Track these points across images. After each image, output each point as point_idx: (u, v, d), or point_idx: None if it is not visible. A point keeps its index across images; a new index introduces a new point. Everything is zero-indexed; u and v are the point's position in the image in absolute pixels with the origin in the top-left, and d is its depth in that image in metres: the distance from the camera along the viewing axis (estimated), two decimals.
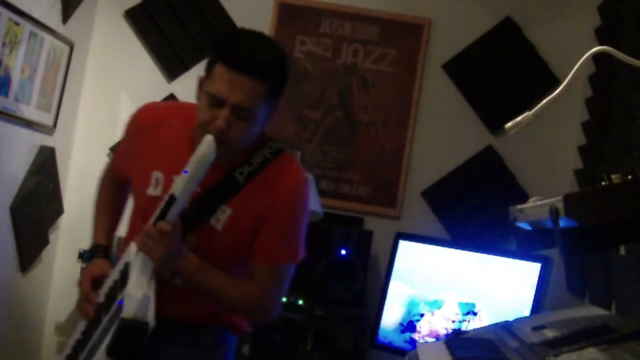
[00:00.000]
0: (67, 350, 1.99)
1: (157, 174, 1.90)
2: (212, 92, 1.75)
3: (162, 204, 1.79)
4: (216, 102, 1.75)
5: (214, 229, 1.86)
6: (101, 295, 1.92)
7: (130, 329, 1.73)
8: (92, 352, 1.83)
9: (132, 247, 1.86)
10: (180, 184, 1.75)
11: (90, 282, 1.94)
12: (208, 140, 1.72)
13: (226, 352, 2.05)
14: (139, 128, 1.97)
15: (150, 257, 1.80)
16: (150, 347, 1.78)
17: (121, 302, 1.77)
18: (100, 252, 2.04)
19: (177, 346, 1.94)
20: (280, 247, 1.91)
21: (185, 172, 1.74)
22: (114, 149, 3.61)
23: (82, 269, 2.08)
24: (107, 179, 2.15)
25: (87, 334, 1.91)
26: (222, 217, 1.86)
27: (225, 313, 2.00)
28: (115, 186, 2.13)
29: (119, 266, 1.90)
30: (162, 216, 1.78)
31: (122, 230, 2.14)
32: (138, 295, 1.75)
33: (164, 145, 1.91)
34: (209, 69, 1.80)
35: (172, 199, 1.77)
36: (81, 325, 1.96)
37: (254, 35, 1.83)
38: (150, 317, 1.75)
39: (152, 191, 1.90)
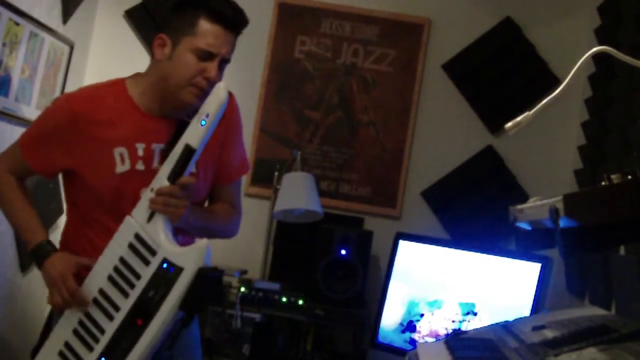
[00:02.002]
0: (54, 348, 1.90)
1: (119, 150, 1.93)
2: (204, 47, 1.88)
3: (175, 159, 1.83)
4: (206, 55, 1.89)
5: (191, 173, 1.94)
6: (94, 282, 1.87)
7: (211, 276, 1.79)
8: (129, 325, 1.79)
9: (130, 220, 1.87)
10: (199, 134, 1.84)
11: (74, 279, 1.89)
12: (222, 88, 1.86)
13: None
14: (76, 119, 1.94)
15: (174, 215, 1.84)
16: None
17: (166, 264, 1.79)
18: (52, 246, 1.98)
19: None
20: (240, 160, 2.14)
21: (203, 122, 1.83)
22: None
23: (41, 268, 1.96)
24: (14, 180, 2.05)
25: (92, 322, 1.86)
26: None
27: None
28: (25, 187, 2.08)
29: (120, 243, 1.87)
30: (179, 171, 1.83)
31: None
32: (201, 245, 1.80)
33: (111, 123, 1.94)
34: (187, 25, 1.89)
35: (191, 151, 1.83)
36: (69, 324, 1.89)
37: None
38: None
39: (120, 168, 1.93)
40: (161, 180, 1.84)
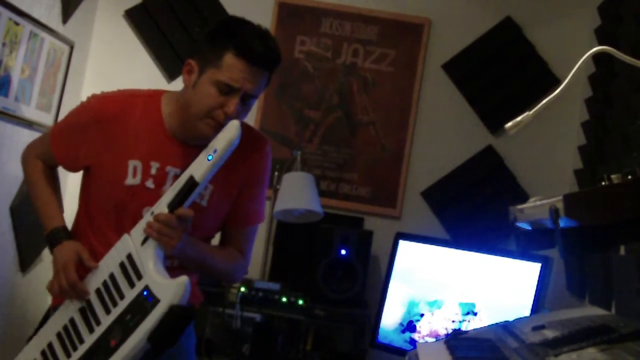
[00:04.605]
0: (39, 345, 1.91)
1: (134, 163, 1.92)
2: (226, 80, 1.83)
3: (178, 189, 1.80)
4: (228, 89, 1.83)
5: (200, 206, 1.93)
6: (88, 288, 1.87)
7: (181, 315, 1.75)
8: (104, 342, 1.79)
9: (127, 239, 1.85)
10: (204, 169, 1.78)
11: (76, 271, 1.89)
12: (235, 126, 1.79)
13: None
14: (103, 119, 1.93)
15: (167, 244, 1.80)
16: None
17: (146, 292, 1.76)
18: (66, 233, 1.98)
19: None
20: (257, 209, 2.08)
21: (210, 157, 1.78)
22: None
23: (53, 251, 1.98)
24: (41, 164, 2.07)
25: (74, 329, 1.86)
26: (205, 193, 1.95)
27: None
28: (52, 175, 2.09)
29: (114, 259, 1.86)
30: (179, 201, 1.79)
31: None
32: (181, 281, 1.75)
33: (135, 134, 1.92)
34: (214, 56, 1.84)
35: (193, 184, 1.78)
36: (55, 327, 1.90)
37: (262, 29, 1.91)
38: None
39: (130, 180, 1.92)
40: (162, 206, 1.82)
